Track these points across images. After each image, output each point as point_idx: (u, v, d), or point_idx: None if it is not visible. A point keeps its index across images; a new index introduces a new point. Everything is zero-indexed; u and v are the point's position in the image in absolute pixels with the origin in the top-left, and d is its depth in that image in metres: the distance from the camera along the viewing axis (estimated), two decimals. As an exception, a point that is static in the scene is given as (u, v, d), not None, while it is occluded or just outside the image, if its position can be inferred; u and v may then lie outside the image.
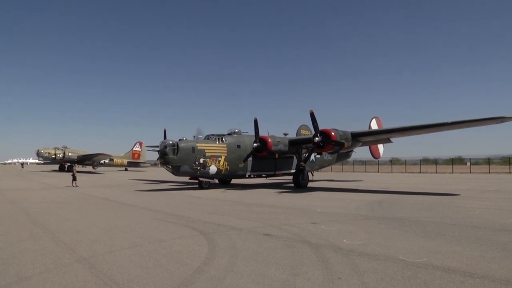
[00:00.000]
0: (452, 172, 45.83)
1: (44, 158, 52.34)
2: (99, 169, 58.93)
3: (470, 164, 54.42)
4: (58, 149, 52.50)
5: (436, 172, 46.79)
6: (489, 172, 43.60)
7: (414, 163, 59.98)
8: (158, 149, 20.25)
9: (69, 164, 51.82)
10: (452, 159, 57.00)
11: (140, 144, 59.98)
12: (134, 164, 59.44)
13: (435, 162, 56.45)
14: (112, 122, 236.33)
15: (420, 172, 48.37)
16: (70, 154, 52.58)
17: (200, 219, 9.21)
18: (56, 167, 56.49)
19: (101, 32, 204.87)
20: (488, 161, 50.36)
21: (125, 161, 58.34)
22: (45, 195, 16.74)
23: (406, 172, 50.49)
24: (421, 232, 7.34)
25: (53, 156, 51.76)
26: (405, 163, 57.62)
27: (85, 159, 52.61)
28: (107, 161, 55.38)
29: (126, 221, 9.09)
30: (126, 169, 60.10)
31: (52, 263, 5.15)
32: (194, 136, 21.27)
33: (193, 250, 5.86)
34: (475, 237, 6.77)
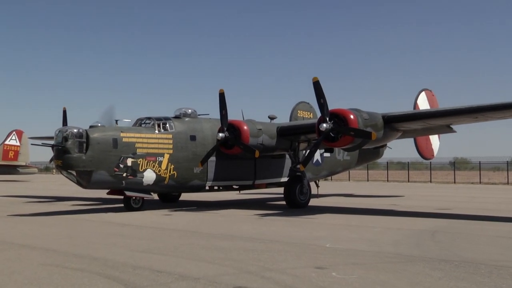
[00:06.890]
0: None
1: None
2: None
3: None
4: None
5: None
6: None
7: (494, 167, 60.27)
8: (52, 142, 19.79)
9: None
10: None
11: (19, 134, 59.48)
12: (6, 168, 59.08)
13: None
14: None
15: (508, 183, 48.94)
16: None
17: (127, 263, 8.87)
18: None
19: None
20: None
21: (-9, 164, 57.82)
22: None
23: (480, 182, 51.29)
24: (507, 287, 6.96)
25: None
26: (478, 167, 57.49)
27: None
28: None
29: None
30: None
31: None
32: (117, 121, 20.83)
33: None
34: None
